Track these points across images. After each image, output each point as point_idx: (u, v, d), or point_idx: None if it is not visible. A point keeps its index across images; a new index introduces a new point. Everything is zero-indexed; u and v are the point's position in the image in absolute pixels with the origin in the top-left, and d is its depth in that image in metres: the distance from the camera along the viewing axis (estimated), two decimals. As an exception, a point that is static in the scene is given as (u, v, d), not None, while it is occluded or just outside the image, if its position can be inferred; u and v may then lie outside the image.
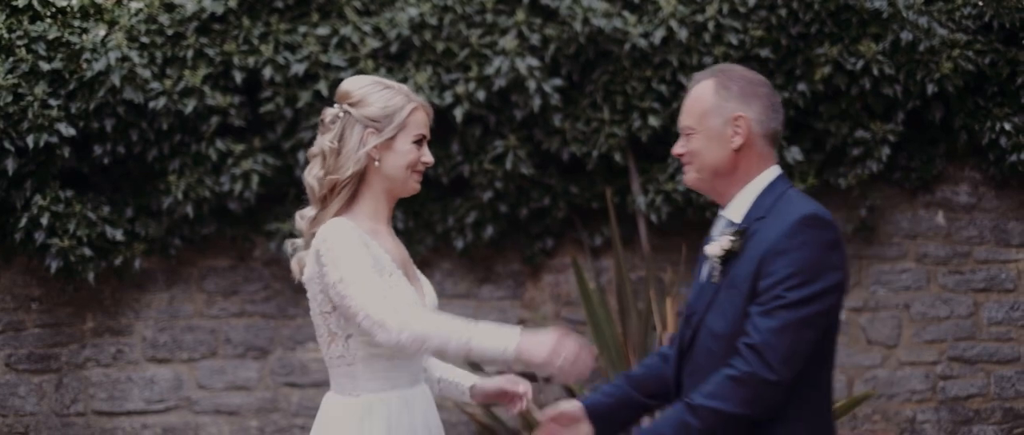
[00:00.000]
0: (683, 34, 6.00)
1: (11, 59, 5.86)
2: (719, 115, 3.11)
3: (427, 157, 3.22)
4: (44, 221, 5.81)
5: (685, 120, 3.17)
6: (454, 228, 6.14)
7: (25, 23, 5.96)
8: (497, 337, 2.93)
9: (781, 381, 2.90)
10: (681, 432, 2.94)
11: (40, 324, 6.13)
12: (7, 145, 5.78)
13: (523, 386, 3.34)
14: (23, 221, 5.84)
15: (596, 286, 6.03)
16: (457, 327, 2.94)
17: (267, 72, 5.96)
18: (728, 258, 3.06)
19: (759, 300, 2.95)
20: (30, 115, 5.77)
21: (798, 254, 2.94)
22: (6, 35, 5.91)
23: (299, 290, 6.22)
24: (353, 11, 6.08)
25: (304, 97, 5.96)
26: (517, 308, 6.30)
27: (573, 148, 6.05)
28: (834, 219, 3.04)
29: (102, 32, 5.97)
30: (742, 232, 3.04)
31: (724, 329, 3.00)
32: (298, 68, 5.96)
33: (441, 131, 5.95)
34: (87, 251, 5.88)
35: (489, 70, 5.95)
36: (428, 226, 6.18)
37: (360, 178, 3.18)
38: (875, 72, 5.99)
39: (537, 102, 5.96)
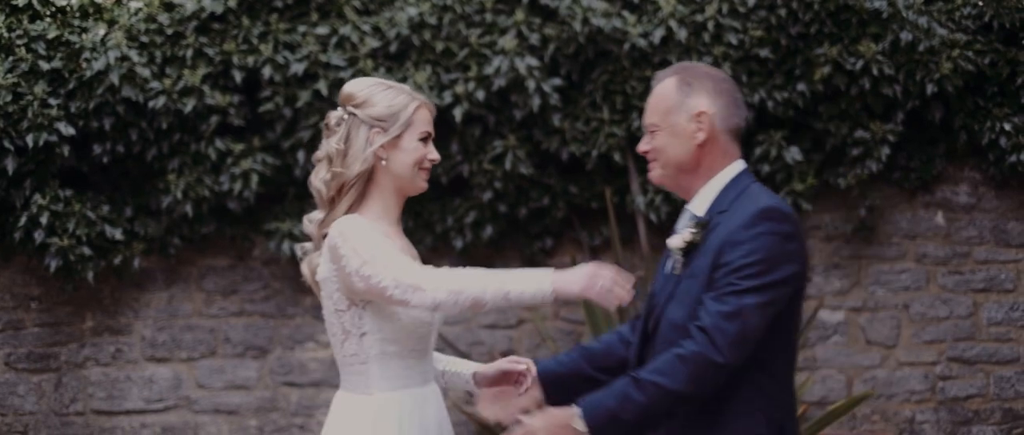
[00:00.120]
0: (682, 34, 6.00)
1: (11, 58, 5.86)
2: (682, 112, 3.17)
3: (433, 154, 3.26)
4: (43, 220, 5.82)
5: (649, 118, 3.24)
6: (453, 228, 6.14)
7: (25, 22, 5.97)
8: (532, 280, 2.99)
9: (727, 363, 2.96)
10: (623, 403, 2.99)
11: (39, 323, 6.13)
12: (7, 144, 5.78)
13: (525, 364, 3.36)
14: (22, 220, 5.85)
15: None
16: (491, 277, 3.00)
17: (266, 71, 5.96)
18: (690, 250, 3.13)
19: (713, 286, 3.02)
20: (30, 114, 5.78)
21: (753, 244, 3.01)
22: (6, 34, 5.91)
23: (298, 290, 6.24)
24: (352, 11, 6.08)
25: (303, 96, 5.96)
26: (516, 307, 6.30)
27: (572, 148, 6.05)
28: (793, 213, 3.10)
29: (102, 31, 5.98)
30: (704, 224, 3.12)
31: (683, 319, 3.07)
32: (297, 67, 5.96)
33: (440, 131, 5.94)
34: (86, 250, 5.88)
35: (488, 70, 5.95)
36: (427, 226, 6.18)
37: (367, 179, 3.21)
38: (875, 72, 5.99)
39: (536, 102, 5.96)
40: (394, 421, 3.15)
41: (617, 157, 6.05)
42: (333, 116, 3.25)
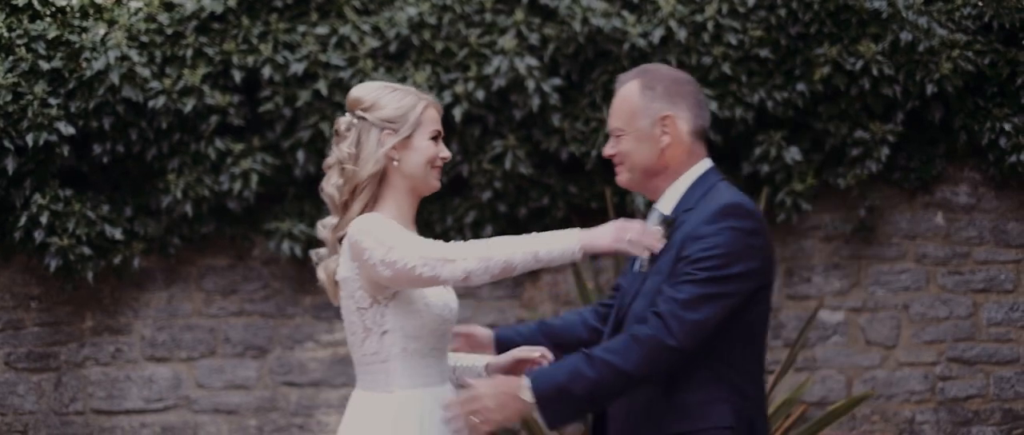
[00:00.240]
0: (682, 34, 6.00)
1: (11, 58, 5.87)
2: (646, 116, 3.20)
3: (444, 152, 3.29)
4: (43, 220, 5.82)
5: (614, 122, 3.27)
6: (453, 228, 6.14)
7: (25, 22, 5.97)
8: (560, 239, 3.04)
9: (680, 348, 2.99)
10: (573, 378, 3.01)
11: (39, 323, 6.14)
12: (7, 144, 5.79)
13: (539, 351, 3.39)
14: (22, 220, 5.85)
15: (594, 286, 6.02)
16: (518, 241, 3.04)
17: (266, 71, 5.97)
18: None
19: (673, 277, 3.06)
20: (30, 114, 5.78)
21: (714, 239, 3.04)
22: (6, 34, 5.92)
23: (298, 289, 6.25)
24: (352, 10, 6.08)
25: (303, 96, 5.97)
26: (516, 308, 6.30)
27: (572, 148, 6.05)
28: (758, 210, 3.15)
29: (102, 31, 5.98)
30: (670, 222, 3.16)
31: (644, 310, 3.10)
32: (297, 67, 5.97)
33: (440, 131, 5.96)
34: (86, 250, 5.89)
35: (488, 70, 5.95)
36: (427, 226, 6.18)
37: (380, 181, 3.24)
38: (874, 72, 5.99)
39: (536, 102, 5.96)
40: (415, 419, 3.16)
41: (617, 157, 6.05)
42: (342, 122, 3.27)
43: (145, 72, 5.90)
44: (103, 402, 6.19)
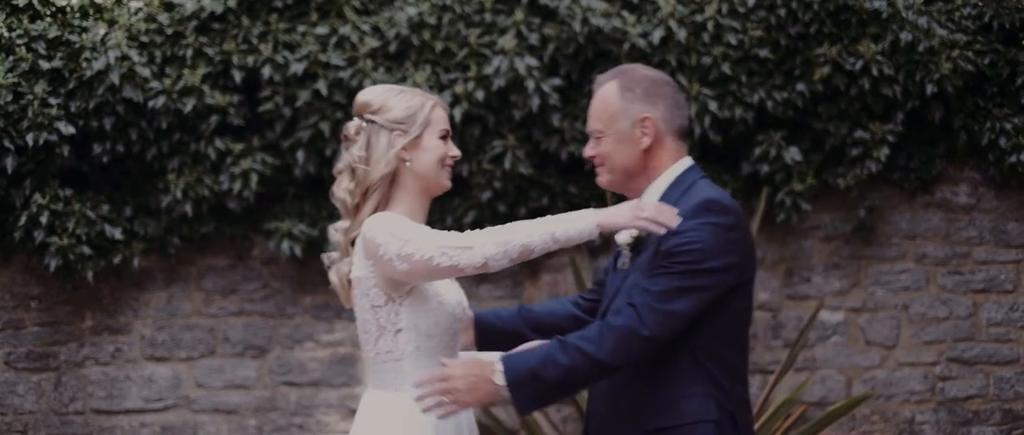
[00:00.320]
0: (682, 34, 6.00)
1: (11, 58, 5.87)
2: (626, 117, 3.23)
3: (454, 151, 3.33)
4: (43, 219, 5.83)
5: (593, 124, 3.30)
6: (452, 228, 6.14)
7: (25, 22, 5.98)
8: (577, 220, 3.09)
9: (653, 338, 3.02)
10: (545, 364, 3.04)
11: (39, 322, 6.14)
12: (7, 143, 5.79)
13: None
14: (22, 219, 5.86)
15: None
16: (535, 224, 3.08)
17: (266, 71, 5.97)
18: (637, 246, 3.21)
19: (650, 270, 3.09)
20: (30, 114, 5.79)
21: (692, 234, 3.07)
22: (6, 34, 5.92)
23: (298, 289, 6.25)
24: (352, 10, 6.08)
25: (303, 96, 5.97)
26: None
27: (572, 148, 6.05)
28: (737, 207, 3.16)
29: (102, 31, 5.99)
30: None
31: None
32: (297, 67, 5.97)
33: (440, 130, 5.96)
34: (86, 250, 5.89)
35: (488, 70, 5.95)
36: (427, 226, 6.18)
37: (391, 182, 3.27)
38: (874, 72, 5.99)
39: (536, 102, 5.96)
40: (429, 418, 3.18)
41: (616, 157, 6.05)
42: (351, 126, 3.30)
43: (145, 72, 5.91)
44: (103, 402, 6.19)
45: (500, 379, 3.05)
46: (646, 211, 3.06)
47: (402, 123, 3.25)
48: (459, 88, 5.95)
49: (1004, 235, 6.31)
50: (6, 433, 6.10)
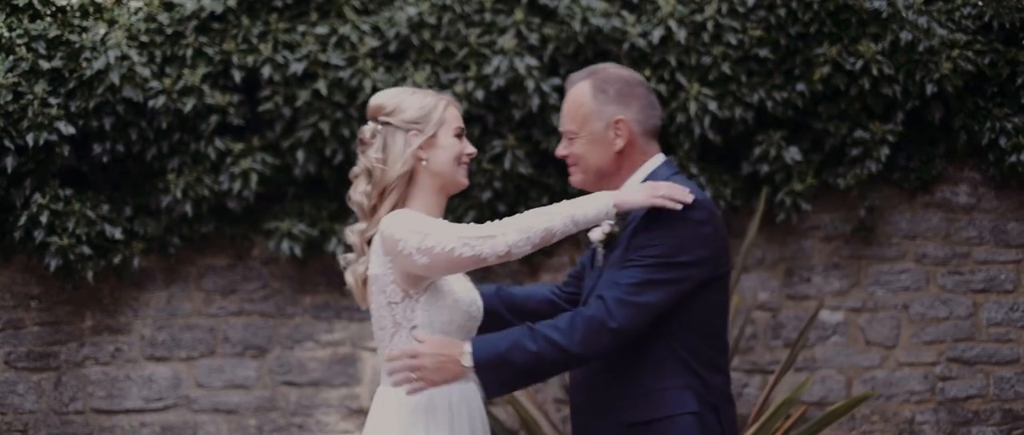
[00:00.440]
0: (682, 34, 6.00)
1: (11, 58, 5.87)
2: (599, 119, 3.26)
3: (469, 148, 3.37)
4: (43, 219, 5.83)
5: (566, 124, 3.33)
6: (452, 227, 6.14)
7: (25, 22, 5.98)
8: (594, 201, 3.15)
9: (621, 329, 3.05)
10: (513, 349, 3.07)
11: (39, 322, 6.14)
12: (7, 143, 5.79)
13: None
14: (22, 219, 5.86)
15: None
16: (554, 210, 3.15)
17: (266, 71, 5.97)
18: (610, 242, 3.24)
19: (620, 263, 3.12)
20: (30, 113, 5.79)
21: (663, 229, 3.10)
22: (6, 34, 5.92)
23: (298, 289, 6.25)
24: (352, 10, 6.08)
25: (303, 96, 5.97)
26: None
27: (572, 148, 6.05)
28: (710, 201, 3.19)
29: (102, 31, 5.99)
30: (623, 216, 3.20)
31: None
32: (297, 67, 5.97)
33: (440, 130, 5.96)
34: (86, 249, 5.89)
35: (488, 69, 5.95)
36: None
37: (408, 181, 3.30)
38: (874, 72, 5.99)
39: (536, 102, 5.96)
40: (445, 414, 3.22)
41: (616, 157, 6.05)
42: (367, 130, 3.34)
43: (145, 72, 5.91)
44: (103, 401, 6.19)
45: (468, 360, 3.09)
46: (660, 189, 3.12)
47: (417, 123, 3.29)
48: (459, 88, 5.95)
49: (1004, 235, 6.31)
50: (6, 433, 6.11)
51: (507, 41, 5.96)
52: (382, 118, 3.31)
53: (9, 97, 5.79)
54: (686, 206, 3.11)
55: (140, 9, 6.08)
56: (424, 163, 3.29)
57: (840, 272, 6.31)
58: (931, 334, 6.30)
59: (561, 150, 3.34)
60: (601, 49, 6.08)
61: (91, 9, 6.09)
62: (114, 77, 5.84)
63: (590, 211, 3.13)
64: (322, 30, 6.03)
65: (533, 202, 6.15)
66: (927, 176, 6.27)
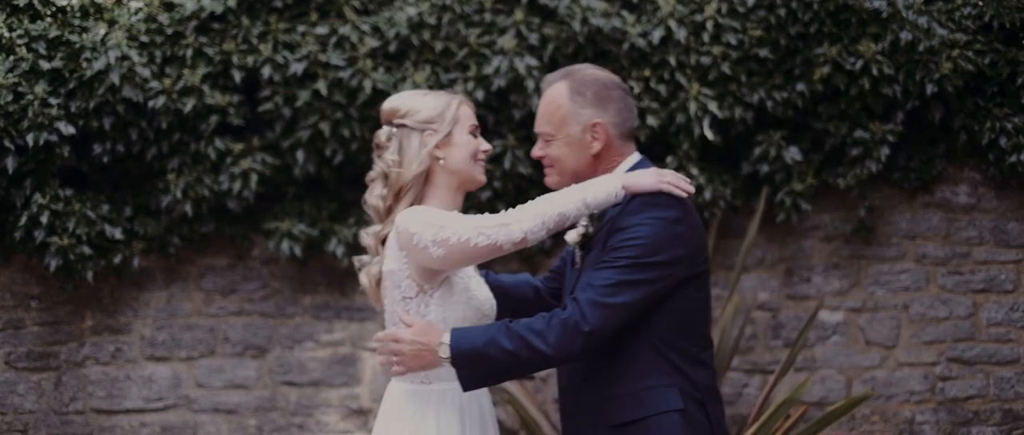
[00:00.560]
0: (682, 34, 6.00)
1: (11, 58, 5.88)
2: (576, 122, 3.28)
3: (485, 145, 3.42)
4: (43, 219, 5.83)
5: (542, 126, 3.35)
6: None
7: (25, 22, 5.98)
8: (603, 185, 3.17)
9: (594, 330, 3.07)
10: (489, 345, 3.10)
11: (39, 322, 6.14)
12: (7, 143, 5.80)
13: None
14: (23, 219, 5.86)
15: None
16: (564, 195, 3.19)
17: (266, 71, 5.97)
18: (586, 243, 3.26)
19: (595, 264, 3.14)
20: (30, 114, 5.79)
21: (638, 229, 3.11)
22: (6, 34, 5.93)
23: (298, 289, 6.25)
24: (352, 10, 6.08)
25: (303, 96, 5.97)
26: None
27: (572, 148, 6.05)
28: (685, 199, 3.20)
29: (102, 31, 5.99)
30: (598, 217, 3.23)
31: None
32: (297, 67, 5.97)
33: (439, 130, 5.96)
34: (86, 250, 5.90)
35: (488, 69, 5.95)
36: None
37: (425, 181, 3.34)
38: (874, 72, 5.99)
39: (536, 102, 5.96)
40: (455, 409, 3.26)
41: (616, 157, 6.05)
42: (382, 134, 3.37)
43: (145, 72, 5.91)
44: (103, 401, 6.20)
45: (445, 352, 3.12)
46: (668, 175, 3.16)
47: (432, 122, 3.32)
48: (459, 88, 5.95)
49: (1004, 235, 6.31)
50: (6, 433, 6.11)
51: (507, 41, 5.96)
52: (397, 121, 3.34)
53: (9, 97, 5.79)
54: (660, 205, 3.13)
55: (140, 9, 6.09)
56: (441, 162, 3.32)
57: (840, 272, 6.31)
58: (931, 334, 6.30)
59: (537, 151, 3.35)
60: (601, 49, 6.08)
61: (91, 9, 6.09)
62: (114, 77, 5.84)
63: (600, 194, 3.16)
64: (322, 30, 6.03)
65: (533, 202, 6.15)
66: (927, 176, 6.27)
